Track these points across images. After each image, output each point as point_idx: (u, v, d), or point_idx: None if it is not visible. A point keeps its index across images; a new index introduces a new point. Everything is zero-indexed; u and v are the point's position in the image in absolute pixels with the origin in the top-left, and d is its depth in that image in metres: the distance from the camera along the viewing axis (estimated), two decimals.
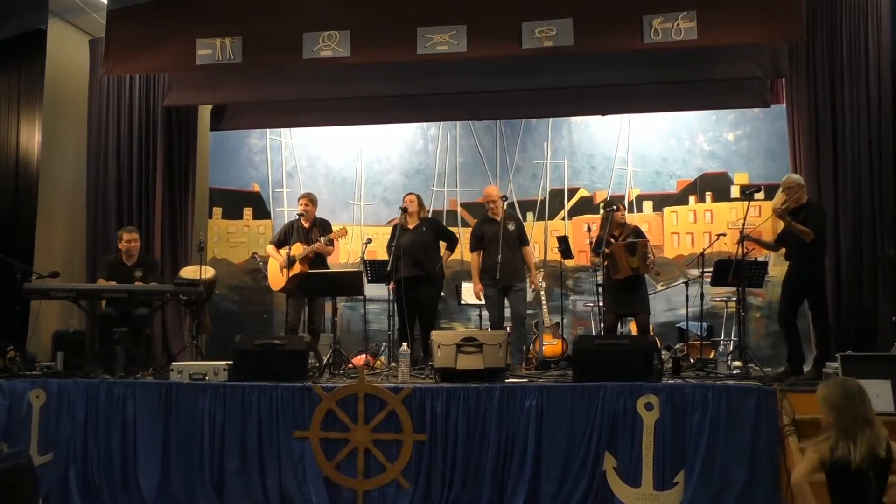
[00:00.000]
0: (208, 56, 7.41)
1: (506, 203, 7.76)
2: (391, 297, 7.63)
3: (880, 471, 3.56)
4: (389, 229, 8.48)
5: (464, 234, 9.22)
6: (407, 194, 7.92)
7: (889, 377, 5.58)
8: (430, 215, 8.01)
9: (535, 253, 8.06)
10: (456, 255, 8.21)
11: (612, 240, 7.18)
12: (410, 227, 7.72)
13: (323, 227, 7.84)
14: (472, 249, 7.75)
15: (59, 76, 8.67)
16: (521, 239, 7.68)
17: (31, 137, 8.42)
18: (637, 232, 7.37)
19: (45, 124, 8.47)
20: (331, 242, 7.78)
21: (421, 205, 7.89)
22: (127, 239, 7.52)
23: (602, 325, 7.57)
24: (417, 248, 7.60)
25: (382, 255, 8.26)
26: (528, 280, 7.71)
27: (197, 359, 7.50)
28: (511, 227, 7.58)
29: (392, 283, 7.53)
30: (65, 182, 8.89)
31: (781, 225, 6.63)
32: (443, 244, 7.93)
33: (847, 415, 3.61)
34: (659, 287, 8.66)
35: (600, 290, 7.60)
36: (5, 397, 6.37)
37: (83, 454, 6.28)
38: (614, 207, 7.40)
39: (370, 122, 9.48)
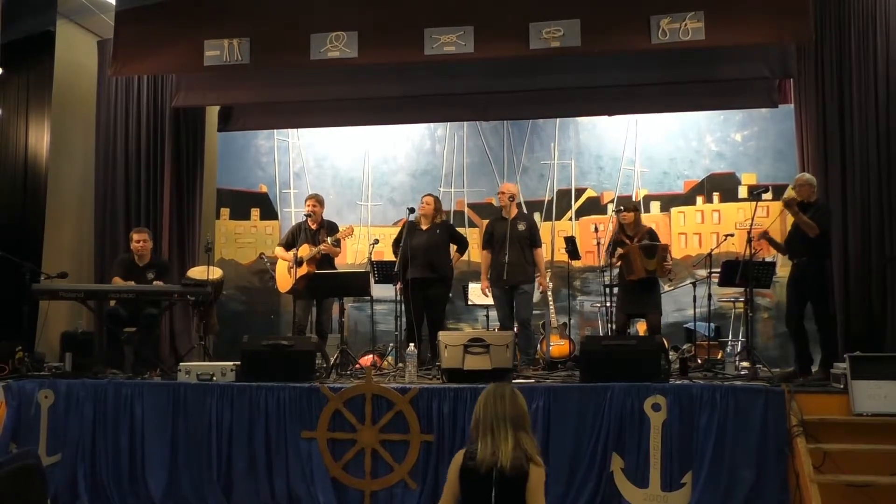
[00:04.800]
0: (216, 57, 7.41)
1: (513, 203, 7.72)
2: (398, 298, 7.64)
3: (508, 489, 3.23)
4: (397, 230, 8.47)
5: (471, 235, 9.22)
6: (425, 195, 7.91)
7: None
8: (442, 217, 7.96)
9: (544, 254, 8.02)
10: (464, 256, 8.20)
11: (626, 241, 7.17)
12: (424, 228, 7.71)
13: (330, 228, 7.84)
14: (483, 247, 7.77)
15: (67, 77, 8.69)
16: (533, 240, 7.62)
17: (40, 139, 8.45)
18: (652, 233, 7.36)
19: (54, 125, 8.49)
20: (338, 243, 7.78)
21: (437, 208, 7.87)
22: (136, 239, 7.54)
23: (609, 325, 7.56)
24: (431, 250, 7.61)
25: (390, 256, 8.26)
26: (536, 282, 7.68)
27: (205, 359, 7.51)
28: (521, 227, 7.54)
29: (399, 283, 7.53)
30: (73, 183, 8.91)
31: (790, 226, 6.63)
32: (453, 246, 7.92)
33: (490, 413, 3.34)
34: (667, 288, 8.63)
35: (608, 290, 7.59)
36: (14, 398, 6.39)
37: (91, 454, 6.30)
38: (620, 209, 7.51)
39: (377, 122, 9.48)
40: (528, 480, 3.27)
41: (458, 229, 8.44)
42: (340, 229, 7.82)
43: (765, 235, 6.80)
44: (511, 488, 3.26)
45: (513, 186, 7.92)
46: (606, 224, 9.20)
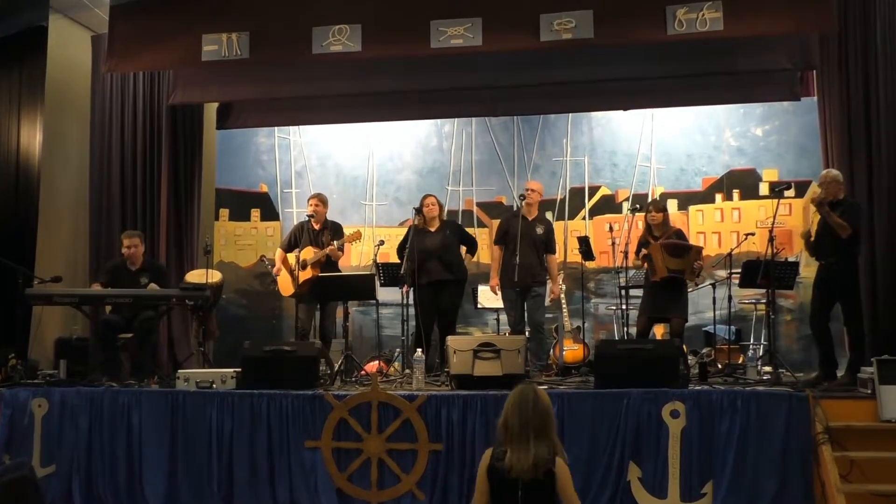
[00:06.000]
0: (214, 52, 7.44)
1: (524, 203, 7.68)
2: (405, 302, 7.63)
3: (535, 492, 3.52)
4: (402, 231, 8.46)
5: (479, 235, 9.22)
6: (427, 196, 7.83)
7: None
8: (445, 216, 7.94)
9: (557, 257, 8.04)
10: (472, 258, 8.18)
11: (652, 242, 7.15)
12: (432, 229, 7.68)
13: (334, 230, 7.83)
14: (495, 242, 7.75)
15: (61, 74, 8.71)
16: (548, 245, 7.61)
17: (33, 137, 8.48)
18: (679, 234, 7.33)
19: (47, 124, 8.52)
20: (342, 247, 7.77)
21: (442, 207, 7.88)
22: (127, 244, 7.47)
23: (625, 328, 7.54)
24: (446, 251, 7.59)
25: (396, 258, 8.26)
26: (547, 287, 7.67)
27: (204, 366, 7.53)
28: (539, 230, 7.54)
29: (407, 286, 7.52)
30: (67, 183, 8.94)
31: (815, 225, 6.60)
32: (463, 247, 7.90)
33: (510, 421, 3.60)
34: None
35: (623, 292, 7.57)
36: (7, 406, 6.42)
37: (87, 465, 6.32)
38: (636, 207, 7.59)
39: (382, 118, 9.50)
40: (557, 480, 3.52)
41: (468, 230, 8.44)
42: (346, 232, 7.80)
43: (821, 206, 6.42)
44: (539, 491, 3.51)
45: (537, 185, 7.88)
46: (621, 223, 9.18)
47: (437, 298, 7.53)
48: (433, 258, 7.52)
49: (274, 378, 6.34)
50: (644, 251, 7.15)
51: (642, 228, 7.49)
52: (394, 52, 7.36)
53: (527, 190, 7.67)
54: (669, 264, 6.91)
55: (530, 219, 7.55)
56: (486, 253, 9.35)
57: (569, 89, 8.62)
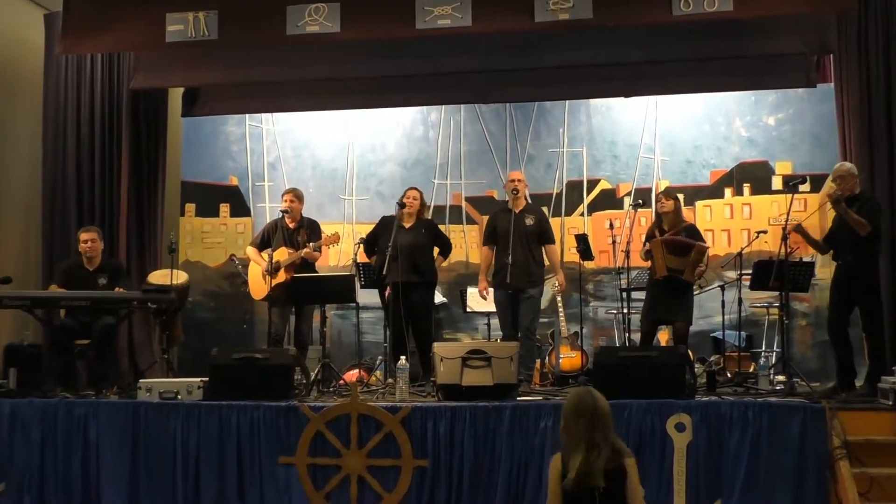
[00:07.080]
0: (179, 32, 7.42)
1: (520, 194, 7.67)
2: (385, 304, 7.62)
3: (610, 496, 3.69)
4: None
5: (469, 233, 9.22)
6: (409, 189, 7.85)
7: None
8: (430, 213, 7.92)
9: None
10: (461, 257, 8.18)
11: (658, 234, 7.15)
12: (407, 225, 7.68)
13: (311, 228, 7.82)
14: (484, 243, 7.75)
15: (10, 55, 8.67)
16: (543, 236, 7.62)
17: None
18: (691, 230, 7.32)
19: None
20: (318, 249, 7.75)
21: (424, 204, 7.86)
22: (84, 239, 7.50)
23: (626, 334, 7.55)
24: (416, 251, 7.57)
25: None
26: (545, 282, 7.67)
27: (168, 375, 7.50)
28: (529, 221, 7.54)
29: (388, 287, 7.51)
30: (17, 175, 8.88)
31: (830, 222, 6.62)
32: (436, 249, 7.88)
33: (571, 429, 3.78)
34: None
35: (625, 295, 7.58)
36: None
37: (40, 483, 6.29)
38: (639, 202, 7.63)
39: (363, 106, 9.47)
40: (628, 478, 3.72)
41: (452, 227, 8.43)
42: (324, 232, 7.78)
43: (798, 229, 6.78)
44: (613, 486, 3.69)
45: (521, 174, 7.90)
46: (622, 220, 9.18)
47: (408, 301, 7.46)
48: (403, 257, 7.47)
49: (244, 388, 6.32)
50: (647, 246, 7.17)
51: (650, 221, 7.50)
52: (375, 33, 7.35)
53: (513, 181, 7.66)
54: (669, 262, 6.93)
55: (517, 211, 7.55)
56: (477, 253, 9.36)
57: (565, 74, 8.61)
